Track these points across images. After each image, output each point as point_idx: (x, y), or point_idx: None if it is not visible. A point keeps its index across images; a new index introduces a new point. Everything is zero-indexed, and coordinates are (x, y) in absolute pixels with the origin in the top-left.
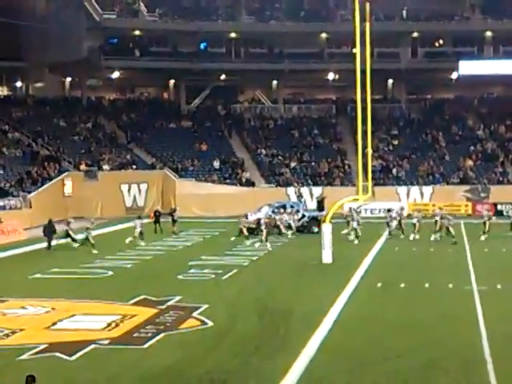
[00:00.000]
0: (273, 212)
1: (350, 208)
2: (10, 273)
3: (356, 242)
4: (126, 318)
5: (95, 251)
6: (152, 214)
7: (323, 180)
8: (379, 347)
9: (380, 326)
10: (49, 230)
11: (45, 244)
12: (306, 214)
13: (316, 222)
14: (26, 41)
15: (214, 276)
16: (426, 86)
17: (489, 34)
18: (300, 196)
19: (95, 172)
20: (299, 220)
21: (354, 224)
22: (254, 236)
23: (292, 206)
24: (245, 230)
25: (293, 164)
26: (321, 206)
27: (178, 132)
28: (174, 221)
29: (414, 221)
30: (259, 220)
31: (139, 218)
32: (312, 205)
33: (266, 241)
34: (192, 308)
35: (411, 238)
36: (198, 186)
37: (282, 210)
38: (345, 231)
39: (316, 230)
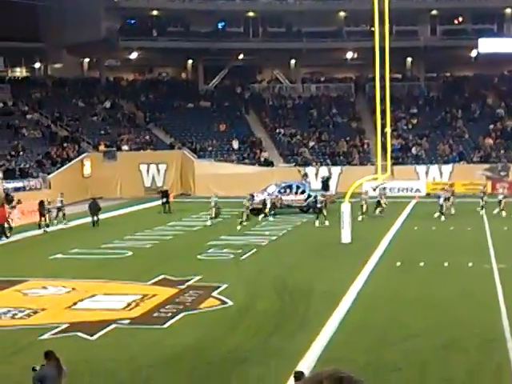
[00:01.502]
0: (279, 192)
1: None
2: (31, 253)
3: (443, 218)
4: (146, 297)
5: (238, 227)
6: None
7: (342, 159)
8: (398, 326)
9: (399, 305)
10: (94, 208)
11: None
12: (312, 194)
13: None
14: (44, 22)
15: (233, 256)
16: (445, 63)
17: (508, 11)
18: (305, 176)
19: (114, 152)
20: (305, 200)
21: (440, 200)
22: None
23: (298, 187)
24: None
25: (311, 143)
26: (326, 186)
27: (196, 112)
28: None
29: (500, 197)
30: (264, 200)
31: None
32: (332, 185)
33: (325, 219)
34: (212, 287)
35: (495, 212)
36: (217, 166)
37: (288, 190)
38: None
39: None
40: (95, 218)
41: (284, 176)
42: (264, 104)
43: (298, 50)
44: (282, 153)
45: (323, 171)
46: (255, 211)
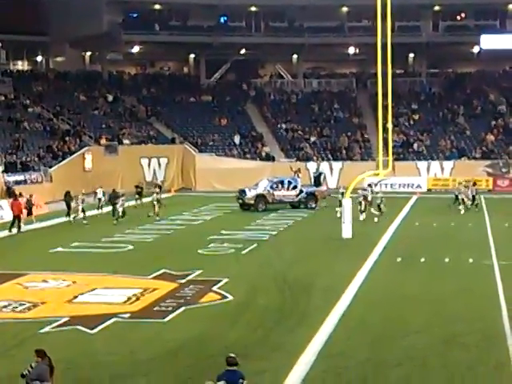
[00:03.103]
0: (271, 187)
1: None
2: (32, 247)
3: None
4: (146, 291)
5: None
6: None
7: (343, 154)
8: (399, 322)
9: (399, 300)
10: (114, 198)
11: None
12: (304, 190)
13: (313, 197)
14: (46, 15)
15: (233, 250)
16: (447, 59)
17: (511, 7)
18: (298, 171)
19: (115, 146)
20: (297, 195)
21: None
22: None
23: (290, 182)
24: None
25: (313, 138)
26: (318, 181)
27: (198, 106)
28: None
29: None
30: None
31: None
32: (333, 180)
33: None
34: (212, 282)
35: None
36: (218, 160)
37: (279, 186)
38: None
39: (313, 205)
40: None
41: (285, 171)
42: (266, 99)
43: (300, 45)
44: (283, 148)
45: (324, 166)
46: (246, 206)
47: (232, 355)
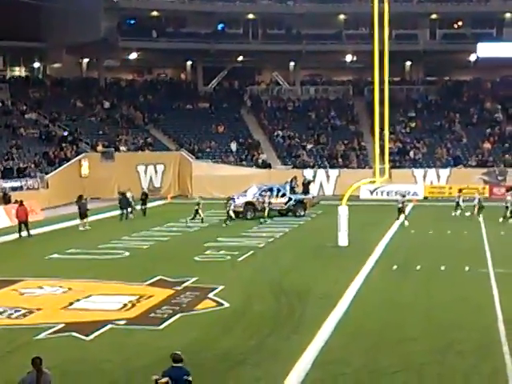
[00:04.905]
0: (260, 195)
1: None
2: (28, 253)
3: None
4: (142, 298)
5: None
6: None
7: (339, 162)
8: (395, 329)
9: (396, 308)
10: (124, 202)
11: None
12: (293, 198)
13: (302, 205)
14: (43, 21)
15: (229, 257)
16: (444, 67)
17: (508, 15)
18: (294, 179)
19: (112, 153)
20: (286, 203)
21: None
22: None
23: (279, 190)
24: (232, 214)
25: (309, 146)
26: (307, 189)
27: (194, 113)
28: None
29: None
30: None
31: None
32: (330, 187)
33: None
34: (208, 289)
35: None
36: (215, 167)
37: (268, 193)
38: None
39: (302, 213)
40: (125, 211)
41: (281, 178)
42: (263, 106)
43: (298, 53)
44: (279, 155)
45: (321, 174)
46: (236, 214)
47: (177, 352)
